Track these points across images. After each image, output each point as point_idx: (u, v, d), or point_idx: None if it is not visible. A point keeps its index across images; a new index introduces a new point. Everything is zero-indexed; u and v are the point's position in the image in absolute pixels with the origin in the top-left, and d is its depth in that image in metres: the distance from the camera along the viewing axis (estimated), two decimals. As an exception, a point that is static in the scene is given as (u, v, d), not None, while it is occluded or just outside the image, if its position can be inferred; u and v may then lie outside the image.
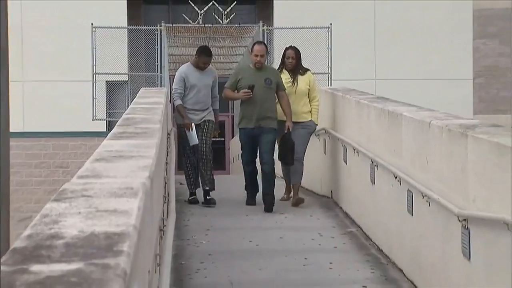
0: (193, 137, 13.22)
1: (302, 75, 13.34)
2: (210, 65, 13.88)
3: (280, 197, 13.63)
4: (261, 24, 22.99)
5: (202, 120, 13.44)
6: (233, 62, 25.88)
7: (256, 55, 12.79)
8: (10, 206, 17.12)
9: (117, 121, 8.92)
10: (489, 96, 28.15)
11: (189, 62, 13.88)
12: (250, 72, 12.97)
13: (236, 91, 12.95)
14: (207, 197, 13.46)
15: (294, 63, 13.27)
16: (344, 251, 10.76)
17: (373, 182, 11.42)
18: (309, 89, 13.36)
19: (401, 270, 10.14)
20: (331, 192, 13.92)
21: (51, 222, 3.30)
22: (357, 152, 12.30)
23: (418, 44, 27.35)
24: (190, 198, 13.91)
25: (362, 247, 11.37)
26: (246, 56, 22.43)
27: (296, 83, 13.24)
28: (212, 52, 13.92)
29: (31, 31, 26.07)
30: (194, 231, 11.90)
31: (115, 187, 4.16)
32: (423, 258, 9.37)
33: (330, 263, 10.24)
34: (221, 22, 24.82)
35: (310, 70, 13.76)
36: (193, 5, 25.36)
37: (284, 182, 13.88)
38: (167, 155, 10.90)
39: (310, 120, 13.39)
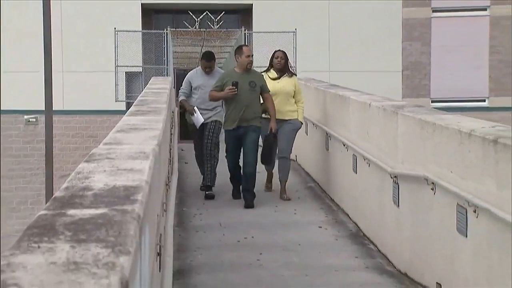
0: (198, 118, 11.38)
1: (289, 77, 11.27)
2: (217, 68, 12.26)
3: (263, 187, 11.55)
4: (243, 29, 23.06)
5: (210, 119, 11.41)
6: (221, 57, 25.80)
7: (248, 56, 10.64)
8: (54, 166, 17.09)
9: (134, 102, 8.90)
10: (413, 84, 28.18)
11: (199, 67, 12.02)
12: (235, 76, 10.57)
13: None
14: (206, 192, 11.30)
15: (282, 63, 11.27)
16: (305, 201, 10.81)
17: (327, 149, 11.47)
18: (294, 91, 11.20)
19: (347, 215, 10.20)
20: (296, 156, 13.90)
21: (83, 178, 3.29)
22: (315, 126, 12.34)
23: (361, 44, 27.34)
24: (205, 190, 11.57)
25: (319, 197, 11.43)
26: (228, 61, 22.41)
27: (282, 83, 11.12)
28: (215, 56, 12.24)
29: (69, 33, 25.91)
30: (193, 186, 11.93)
31: (131, 152, 4.15)
32: (364, 205, 9.42)
33: (295, 209, 10.34)
34: (212, 27, 24.72)
35: (296, 75, 11.80)
36: (191, 14, 25.28)
37: (266, 172, 11.59)
38: (172, 127, 10.88)
39: (296, 119, 11.15)
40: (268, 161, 10.97)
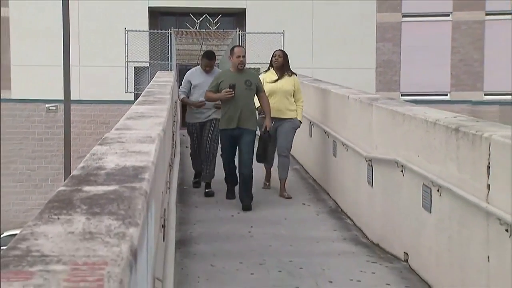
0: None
1: (289, 76, 10.00)
2: (215, 68, 10.80)
3: (261, 184, 10.31)
4: (237, 30, 23.10)
5: (208, 118, 10.19)
6: (218, 55, 25.73)
7: (238, 56, 9.40)
8: (71, 149, 17.08)
9: (141, 93, 8.88)
10: (385, 80, 28.26)
11: (198, 66, 10.82)
12: (230, 75, 9.43)
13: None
14: (206, 190, 10.14)
15: (280, 61, 10.01)
16: (290, 181, 10.77)
17: (310, 135, 11.46)
18: (294, 90, 9.95)
19: (328, 194, 10.20)
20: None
21: (97, 159, 3.28)
22: (300, 115, 12.32)
23: (340, 44, 27.39)
24: (194, 180, 10.79)
25: (303, 178, 11.43)
26: (224, 58, 22.31)
27: (281, 82, 9.92)
28: (215, 55, 10.74)
29: (84, 32, 25.89)
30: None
31: (139, 136, 4.14)
32: (342, 185, 9.43)
33: (281, 188, 10.29)
34: (211, 28, 24.70)
35: (296, 74, 10.24)
36: (192, 16, 25.25)
37: (265, 170, 10.43)
38: (175, 116, 10.85)
39: (295, 118, 9.95)
40: (263, 160, 9.81)
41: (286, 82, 9.95)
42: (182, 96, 10.49)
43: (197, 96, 10.19)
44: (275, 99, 9.77)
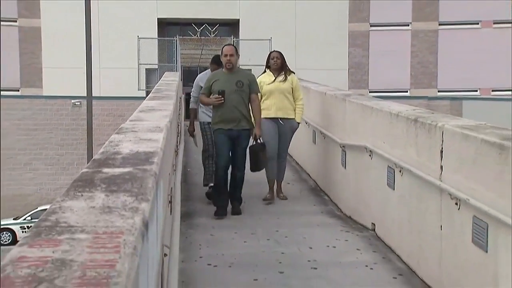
0: (195, 142, 9.14)
1: (288, 75, 8.47)
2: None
3: (263, 196, 8.38)
4: (232, 37, 23.15)
5: None
6: (216, 58, 25.75)
7: (226, 55, 7.70)
8: (93, 137, 17.04)
9: (151, 90, 8.83)
10: (356, 79, 28.27)
11: (209, 69, 9.12)
12: (222, 76, 7.72)
13: (211, 95, 7.68)
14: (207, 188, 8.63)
15: (279, 63, 8.49)
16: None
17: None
18: (292, 89, 8.41)
19: (308, 174, 10.20)
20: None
21: (114, 145, 3.27)
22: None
23: (319, 49, 27.41)
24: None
25: (288, 162, 11.41)
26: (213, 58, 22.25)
27: (279, 82, 8.38)
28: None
29: (104, 39, 25.81)
30: (196, 153, 11.87)
31: (150, 126, 4.12)
32: (321, 167, 9.42)
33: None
34: (210, 35, 24.67)
35: (294, 73, 8.73)
36: (194, 26, 25.21)
37: (268, 182, 8.45)
38: (179, 109, 10.82)
39: (293, 118, 8.40)
40: (257, 169, 8.03)
41: (284, 81, 8.45)
42: (192, 105, 8.79)
43: None
44: (275, 99, 8.30)
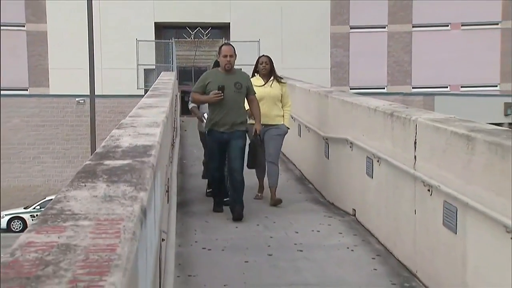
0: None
1: (277, 81, 7.66)
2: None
3: (254, 195, 7.73)
4: (223, 39, 23.10)
5: None
6: (208, 59, 25.69)
7: (225, 56, 6.72)
8: (96, 132, 16.97)
9: (149, 89, 8.81)
10: (338, 77, 28.29)
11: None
12: (219, 76, 6.75)
13: (205, 94, 6.76)
14: (207, 190, 7.84)
15: (268, 68, 7.66)
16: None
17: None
18: (281, 95, 7.63)
19: (294, 165, 10.21)
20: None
21: (115, 139, 3.25)
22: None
23: (303, 50, 27.42)
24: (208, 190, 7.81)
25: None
26: (214, 62, 22.25)
27: (269, 87, 7.57)
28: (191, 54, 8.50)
29: (105, 41, 25.65)
30: (191, 146, 11.86)
31: (148, 122, 4.11)
32: (305, 158, 9.44)
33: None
34: (203, 38, 24.64)
35: (283, 78, 7.90)
36: (188, 29, 25.19)
37: (258, 180, 7.83)
38: (175, 106, 10.79)
39: (282, 124, 7.63)
40: (254, 165, 7.33)
41: (274, 87, 7.63)
42: (192, 105, 7.85)
43: None
44: (263, 105, 7.39)
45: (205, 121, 7.35)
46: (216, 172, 6.96)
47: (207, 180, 7.90)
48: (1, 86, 23.70)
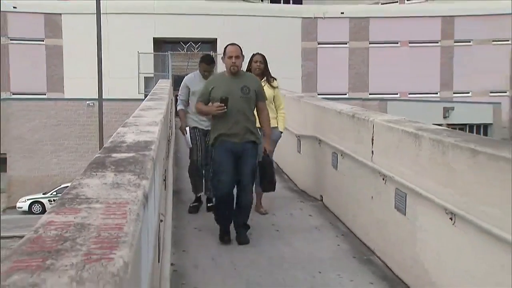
0: (188, 141, 6.29)
1: (270, 82, 6.25)
2: (215, 72, 6.58)
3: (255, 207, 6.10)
4: (212, 52, 22.95)
5: (209, 128, 5.76)
6: (194, 68, 25.55)
7: (230, 57, 5.03)
8: (103, 131, 16.80)
9: (149, 94, 8.75)
10: (308, 86, 28.32)
11: (197, 71, 6.41)
12: (224, 81, 5.06)
13: (210, 103, 5.06)
14: (208, 204, 6.20)
15: (262, 67, 6.21)
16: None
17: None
18: (274, 96, 6.20)
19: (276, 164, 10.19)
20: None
21: (121, 136, 3.23)
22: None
23: (279, 62, 27.16)
24: (191, 204, 6.34)
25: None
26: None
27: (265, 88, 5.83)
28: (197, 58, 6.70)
29: (112, 53, 25.42)
30: (184, 142, 11.77)
31: (148, 121, 4.08)
32: (280, 153, 9.41)
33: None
34: (194, 51, 24.53)
35: (276, 79, 6.42)
36: (182, 44, 25.09)
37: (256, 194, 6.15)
38: (171, 107, 10.71)
39: (276, 127, 6.15)
40: (269, 188, 5.59)
41: (267, 88, 6.02)
42: (179, 106, 6.35)
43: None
44: None
45: (186, 134, 6.19)
46: (226, 190, 4.89)
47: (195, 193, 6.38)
48: (13, 91, 23.49)
